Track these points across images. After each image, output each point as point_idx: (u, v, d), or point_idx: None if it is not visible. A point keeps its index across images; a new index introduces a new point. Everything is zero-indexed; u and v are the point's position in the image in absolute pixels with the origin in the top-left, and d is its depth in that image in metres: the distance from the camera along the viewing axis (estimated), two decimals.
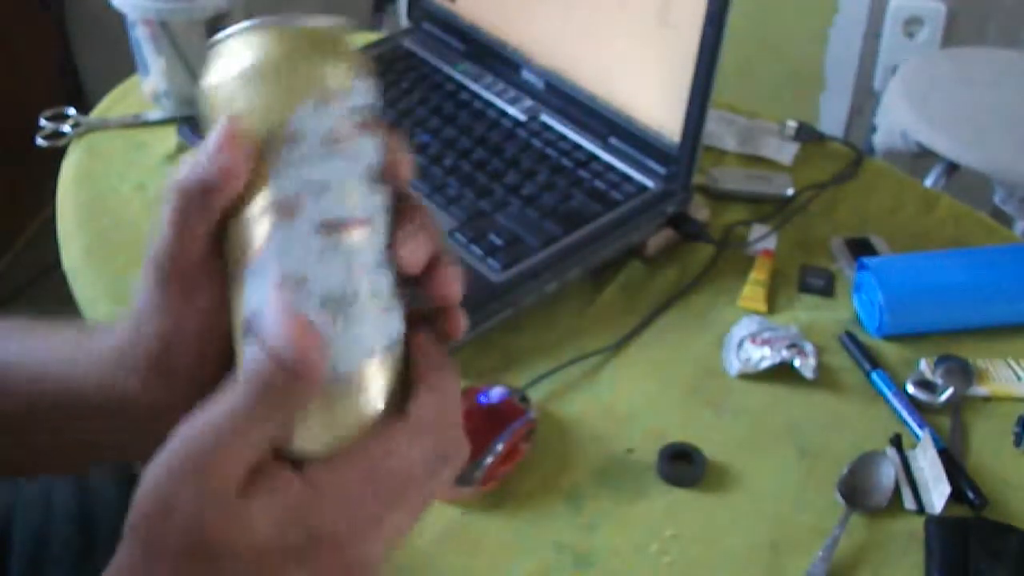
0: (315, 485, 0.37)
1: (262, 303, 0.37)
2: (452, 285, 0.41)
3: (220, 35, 0.40)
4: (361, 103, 0.39)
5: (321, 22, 0.39)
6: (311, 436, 0.38)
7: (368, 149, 0.39)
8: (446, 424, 0.40)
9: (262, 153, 0.38)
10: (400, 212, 0.40)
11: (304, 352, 0.36)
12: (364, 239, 0.38)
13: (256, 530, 0.37)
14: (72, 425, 0.47)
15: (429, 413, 0.39)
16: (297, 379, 0.36)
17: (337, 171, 0.38)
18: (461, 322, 0.42)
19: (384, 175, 0.39)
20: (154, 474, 0.38)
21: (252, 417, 0.36)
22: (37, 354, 0.49)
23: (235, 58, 0.39)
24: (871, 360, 0.80)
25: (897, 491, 0.70)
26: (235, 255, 0.39)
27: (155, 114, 1.04)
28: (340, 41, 0.39)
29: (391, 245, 0.39)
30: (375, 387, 0.39)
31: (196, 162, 0.38)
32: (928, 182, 1.46)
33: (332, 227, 0.37)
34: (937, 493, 0.69)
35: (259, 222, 0.38)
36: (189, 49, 1.00)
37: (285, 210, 0.37)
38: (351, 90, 0.38)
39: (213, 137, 0.38)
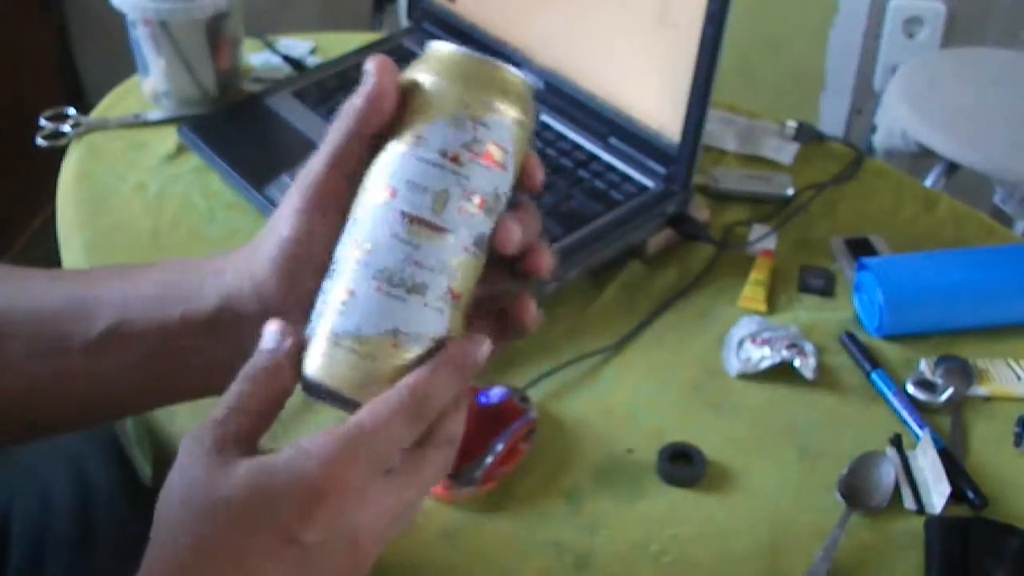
0: (303, 445, 0.42)
1: (340, 256, 0.45)
2: (543, 260, 0.48)
3: (434, 44, 0.47)
4: (495, 140, 0.45)
5: (507, 65, 0.46)
6: (321, 371, 0.45)
7: (480, 177, 0.45)
8: (429, 408, 0.44)
9: (400, 136, 0.45)
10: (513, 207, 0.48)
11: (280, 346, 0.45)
12: (435, 242, 0.44)
13: (254, 487, 0.41)
14: (186, 343, 0.51)
15: (413, 391, 0.44)
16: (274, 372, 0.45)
17: (439, 181, 0.44)
18: (534, 309, 0.49)
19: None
20: (172, 469, 0.43)
21: (243, 403, 0.44)
22: (162, 273, 0.54)
23: (422, 64, 0.47)
24: (871, 360, 0.80)
25: (897, 491, 0.70)
26: (359, 185, 0.47)
27: (155, 114, 1.04)
28: (507, 88, 0.46)
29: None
30: (383, 362, 0.44)
31: (357, 96, 0.46)
32: (928, 182, 1.46)
33: (412, 220, 0.44)
34: (937, 493, 0.69)
35: (371, 190, 0.45)
36: (189, 49, 1.00)
37: (387, 191, 0.45)
38: (486, 123, 0.45)
39: (368, 66, 0.46)
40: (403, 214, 0.44)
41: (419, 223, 0.44)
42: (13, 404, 0.53)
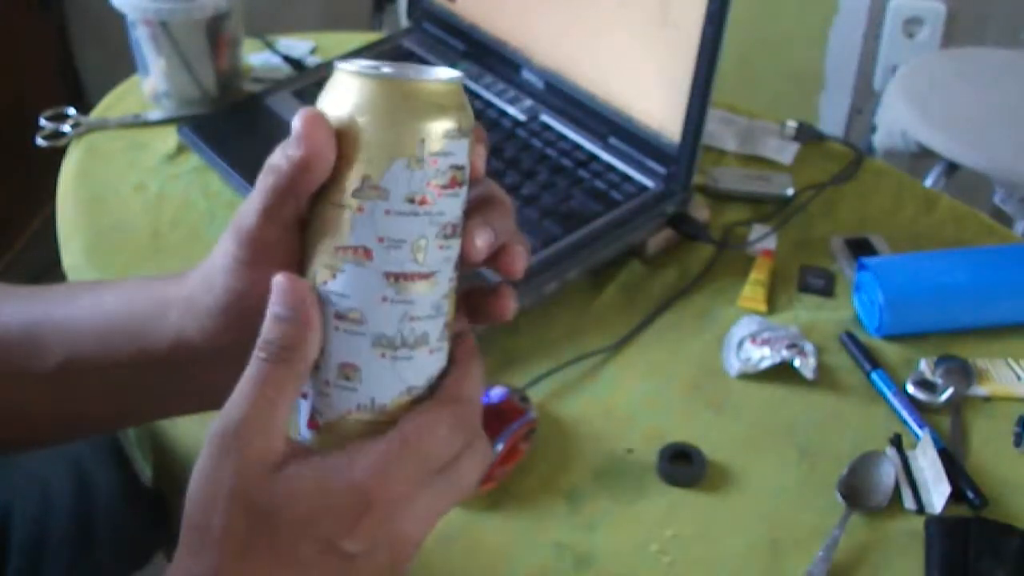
0: (349, 454, 0.41)
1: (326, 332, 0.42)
2: (516, 263, 0.45)
3: (341, 64, 0.42)
4: (454, 163, 0.42)
5: (436, 76, 0.42)
6: (338, 443, 0.42)
7: (450, 207, 0.42)
8: (469, 413, 0.44)
9: (355, 192, 0.41)
10: (475, 204, 0.44)
11: (298, 342, 0.41)
12: (425, 290, 0.42)
13: (299, 495, 0.40)
14: (143, 377, 0.49)
15: (454, 397, 0.43)
16: (291, 363, 0.41)
17: (414, 229, 0.41)
18: (512, 303, 0.46)
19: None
20: (197, 467, 0.41)
21: (266, 391, 0.40)
22: (107, 308, 0.51)
23: (346, 98, 0.41)
24: (871, 360, 0.80)
25: (897, 491, 0.70)
26: (313, 247, 0.43)
27: (155, 114, 1.04)
28: (448, 101, 0.42)
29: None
30: (395, 412, 0.42)
31: (286, 144, 0.42)
32: (928, 182, 1.46)
33: (397, 278, 0.41)
34: (937, 493, 0.69)
35: (337, 255, 0.41)
36: (189, 49, 1.00)
37: (359, 254, 0.41)
38: (446, 152, 0.41)
39: (296, 124, 0.41)
40: (386, 274, 0.41)
41: (405, 278, 0.41)
42: None
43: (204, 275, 0.46)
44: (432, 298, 0.42)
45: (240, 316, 0.44)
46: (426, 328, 0.42)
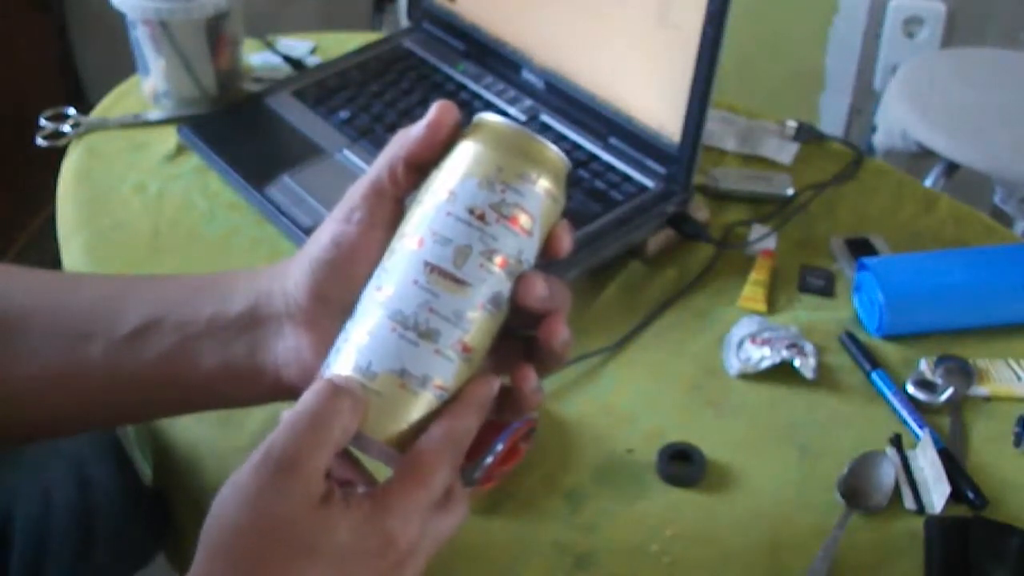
0: (379, 498, 0.44)
1: (364, 299, 0.48)
2: (559, 331, 0.49)
3: (482, 114, 0.50)
4: (520, 203, 0.47)
5: (543, 142, 0.49)
6: (376, 424, 0.46)
7: (503, 239, 0.47)
8: (462, 452, 0.47)
9: (432, 192, 0.48)
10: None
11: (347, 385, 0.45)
12: (452, 294, 0.46)
13: (339, 533, 0.43)
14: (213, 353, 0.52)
15: (457, 441, 0.46)
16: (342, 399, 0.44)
17: (462, 236, 0.46)
18: (564, 334, 0.49)
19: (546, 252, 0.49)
20: (242, 489, 0.43)
21: (318, 431, 0.43)
22: (189, 276, 0.55)
23: (471, 129, 0.49)
24: (871, 360, 0.80)
25: (897, 491, 0.70)
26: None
27: (155, 114, 1.04)
28: (539, 157, 0.48)
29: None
30: (390, 402, 0.46)
31: (414, 126, 0.49)
32: (928, 182, 1.46)
33: (433, 270, 0.46)
34: (937, 493, 0.69)
35: (400, 237, 0.48)
36: (189, 49, 1.00)
37: (414, 241, 0.47)
38: (517, 189, 0.47)
39: (430, 112, 0.49)
40: (426, 263, 0.46)
41: (439, 273, 0.46)
42: (21, 400, 0.53)
43: (310, 240, 0.51)
44: (456, 305, 0.46)
45: (326, 275, 0.49)
46: (440, 327, 0.46)
